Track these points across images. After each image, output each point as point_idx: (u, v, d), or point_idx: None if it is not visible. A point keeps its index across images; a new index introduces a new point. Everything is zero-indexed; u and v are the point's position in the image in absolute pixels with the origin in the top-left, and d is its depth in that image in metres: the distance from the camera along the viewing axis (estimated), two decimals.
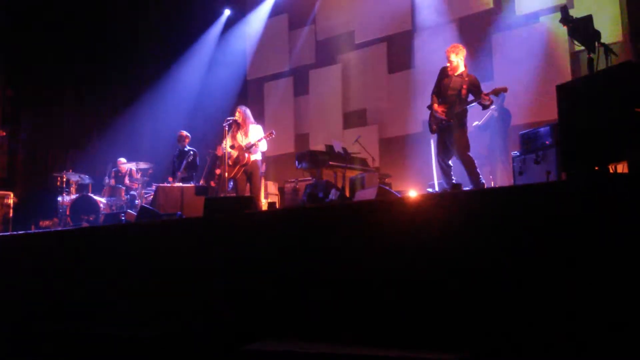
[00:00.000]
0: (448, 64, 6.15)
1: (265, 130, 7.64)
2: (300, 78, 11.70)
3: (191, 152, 8.94)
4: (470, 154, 5.99)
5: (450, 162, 6.18)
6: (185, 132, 9.13)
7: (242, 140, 7.42)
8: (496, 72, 8.85)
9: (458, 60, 6.08)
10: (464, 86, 6.03)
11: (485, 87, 6.16)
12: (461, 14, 9.54)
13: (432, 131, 6.34)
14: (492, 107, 7.63)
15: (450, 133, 6.05)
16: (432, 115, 6.24)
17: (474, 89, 6.03)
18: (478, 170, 5.96)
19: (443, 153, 6.17)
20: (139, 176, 9.28)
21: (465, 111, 6.04)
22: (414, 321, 2.94)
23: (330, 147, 8.45)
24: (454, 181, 6.10)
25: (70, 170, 9.29)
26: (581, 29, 4.65)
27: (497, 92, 5.95)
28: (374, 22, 10.57)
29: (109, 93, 11.26)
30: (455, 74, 6.11)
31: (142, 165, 9.25)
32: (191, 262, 4.04)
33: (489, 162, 7.86)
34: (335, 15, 11.13)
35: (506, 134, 7.86)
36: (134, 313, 4.25)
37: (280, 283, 3.53)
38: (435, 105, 6.16)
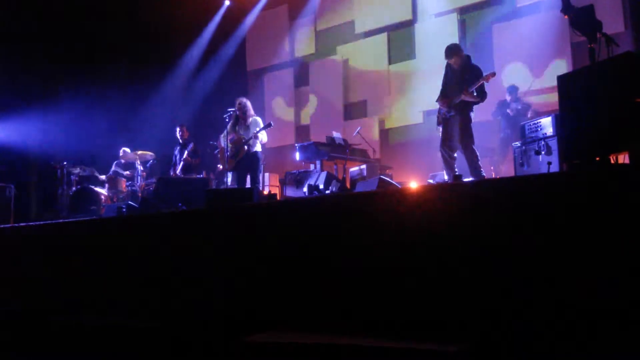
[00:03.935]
0: (454, 66, 6.20)
1: (265, 122, 7.63)
2: (301, 69, 11.67)
3: (192, 143, 8.97)
4: (475, 147, 6.02)
5: (454, 154, 6.20)
6: (184, 126, 9.18)
7: (242, 132, 7.41)
8: (497, 63, 8.82)
9: (459, 60, 6.13)
10: (465, 77, 6.06)
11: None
12: (462, 3, 9.51)
13: (438, 124, 6.41)
14: (509, 102, 7.69)
15: (454, 125, 6.09)
16: (440, 108, 6.34)
17: (471, 77, 6.05)
18: (480, 163, 5.99)
19: (447, 145, 6.20)
20: (140, 168, 9.28)
21: (468, 103, 6.04)
22: (416, 312, 2.95)
23: (330, 139, 8.44)
24: (456, 173, 6.12)
25: (71, 162, 9.27)
26: (582, 19, 4.63)
27: (487, 79, 5.99)
28: (374, 12, 10.53)
29: (109, 85, 11.22)
30: (459, 67, 6.15)
31: (143, 156, 9.25)
32: (193, 254, 4.04)
33: (495, 153, 7.91)
34: (336, 6, 11.08)
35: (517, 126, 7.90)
36: (134, 305, 4.26)
37: (282, 274, 3.54)
38: (441, 97, 6.24)
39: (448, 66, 6.33)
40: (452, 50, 6.20)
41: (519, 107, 8.00)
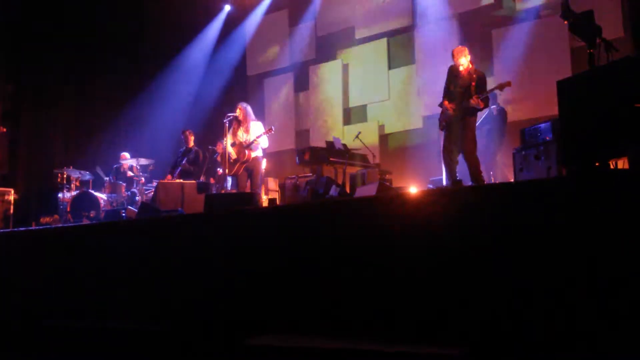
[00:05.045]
0: (459, 67, 6.17)
1: (265, 126, 7.63)
2: (301, 74, 11.67)
3: (194, 150, 9.00)
4: (478, 153, 6.01)
5: (456, 159, 6.18)
6: (188, 131, 9.21)
7: (242, 137, 7.41)
8: (496, 68, 8.84)
9: (465, 63, 6.12)
10: (472, 83, 6.06)
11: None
12: (462, 9, 9.52)
13: (441, 128, 6.38)
14: (493, 106, 7.63)
15: (458, 129, 6.07)
16: (443, 112, 6.29)
17: (481, 84, 6.05)
18: (481, 168, 5.98)
19: (450, 149, 6.18)
20: (139, 172, 9.29)
21: (473, 109, 6.03)
22: (415, 316, 2.95)
23: (330, 144, 8.44)
24: (456, 178, 6.11)
25: (71, 167, 9.28)
26: (582, 24, 4.64)
27: (502, 87, 5.99)
28: (374, 17, 10.56)
29: (110, 89, 11.23)
30: (464, 72, 6.14)
31: (143, 161, 9.26)
32: (192, 258, 4.04)
33: (485, 159, 7.87)
34: (336, 11, 11.10)
35: (504, 131, 7.87)
36: (135, 308, 4.26)
37: (281, 278, 3.54)
38: (446, 102, 6.21)
39: (452, 69, 6.30)
40: (461, 52, 6.16)
41: (495, 112, 7.94)
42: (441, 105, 6.33)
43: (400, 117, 10.11)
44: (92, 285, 4.54)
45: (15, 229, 6.88)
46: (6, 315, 4.90)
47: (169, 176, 8.80)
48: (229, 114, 7.48)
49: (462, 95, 6.08)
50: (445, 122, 6.25)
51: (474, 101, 5.88)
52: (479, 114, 7.37)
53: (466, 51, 6.19)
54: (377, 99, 10.48)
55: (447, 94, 6.28)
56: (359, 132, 9.09)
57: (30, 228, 7.16)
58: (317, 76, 11.38)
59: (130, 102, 11.13)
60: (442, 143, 6.38)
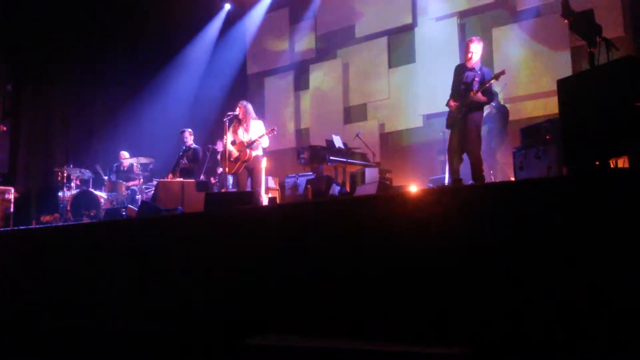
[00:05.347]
0: (469, 54, 6.14)
1: (266, 125, 7.63)
2: (301, 72, 11.68)
3: (192, 148, 9.00)
4: (481, 152, 6.01)
5: (460, 157, 6.18)
6: (188, 130, 9.21)
7: (243, 135, 7.41)
8: (496, 67, 8.82)
9: (478, 52, 6.11)
10: (476, 79, 6.06)
11: None
12: (462, 7, 9.52)
13: (447, 126, 6.38)
14: (493, 103, 7.63)
15: (463, 127, 6.06)
16: (450, 111, 6.30)
17: (484, 79, 6.05)
18: (483, 167, 5.97)
19: (453, 147, 6.17)
20: (139, 171, 9.29)
21: (478, 104, 6.03)
22: (415, 316, 2.95)
23: (330, 142, 8.44)
24: (458, 177, 6.11)
25: (71, 165, 9.29)
26: (582, 23, 4.63)
27: (497, 77, 6.00)
28: (374, 16, 10.55)
29: (110, 88, 11.23)
30: (469, 68, 6.13)
31: (143, 160, 9.27)
32: (192, 257, 4.04)
33: (486, 158, 7.86)
34: (336, 9, 11.09)
35: (505, 130, 7.86)
36: (134, 308, 4.26)
37: (281, 278, 3.54)
38: (451, 101, 6.21)
39: (457, 68, 6.29)
40: (477, 41, 6.15)
41: (495, 111, 7.91)
42: (447, 104, 6.33)
43: (401, 116, 10.11)
44: (92, 284, 4.54)
45: (16, 228, 6.88)
46: (6, 315, 4.89)
47: (170, 175, 8.81)
48: (229, 113, 7.47)
49: (467, 92, 6.09)
50: (451, 121, 6.26)
51: (472, 94, 5.90)
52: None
53: (481, 42, 6.21)
54: (377, 98, 10.48)
55: (453, 92, 6.27)
56: (359, 131, 9.09)
57: (31, 227, 7.16)
58: (318, 75, 11.37)
59: (131, 100, 11.13)
60: (447, 142, 6.38)
